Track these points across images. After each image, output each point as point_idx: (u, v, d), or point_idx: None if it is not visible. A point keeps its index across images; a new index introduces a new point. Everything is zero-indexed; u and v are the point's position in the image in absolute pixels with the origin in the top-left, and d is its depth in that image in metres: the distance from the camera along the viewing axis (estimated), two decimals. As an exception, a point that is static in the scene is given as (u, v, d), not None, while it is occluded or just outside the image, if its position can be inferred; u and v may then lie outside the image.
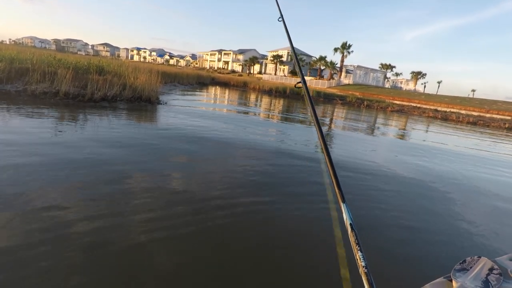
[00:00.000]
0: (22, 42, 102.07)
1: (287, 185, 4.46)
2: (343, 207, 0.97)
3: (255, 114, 13.36)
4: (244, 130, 8.51)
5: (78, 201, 3.13)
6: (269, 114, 13.93)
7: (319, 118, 1.35)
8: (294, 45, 2.03)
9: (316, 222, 3.44)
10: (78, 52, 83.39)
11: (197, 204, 3.43)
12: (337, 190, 1.03)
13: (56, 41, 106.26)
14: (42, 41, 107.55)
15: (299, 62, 1.76)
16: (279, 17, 2.22)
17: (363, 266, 0.79)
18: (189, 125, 7.90)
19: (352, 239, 0.87)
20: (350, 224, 0.92)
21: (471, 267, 1.16)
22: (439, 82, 66.00)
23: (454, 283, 1.06)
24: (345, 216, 0.95)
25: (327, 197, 4.19)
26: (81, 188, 3.43)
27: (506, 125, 22.53)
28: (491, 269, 1.13)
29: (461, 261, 1.19)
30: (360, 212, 3.80)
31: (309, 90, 1.54)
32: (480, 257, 1.19)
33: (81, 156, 4.44)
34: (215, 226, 3.02)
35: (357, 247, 0.85)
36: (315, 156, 6.45)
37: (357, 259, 0.82)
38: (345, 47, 47.61)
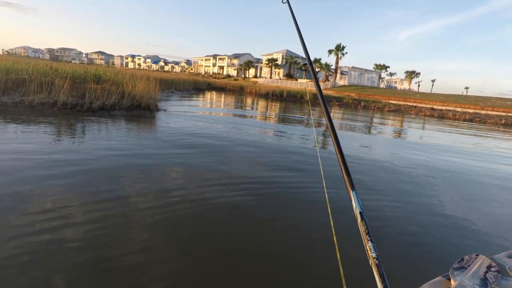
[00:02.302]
0: (15, 52, 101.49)
1: (284, 177, 4.40)
2: (352, 195, 0.92)
3: (259, 118, 13.31)
4: (244, 133, 8.44)
5: (74, 208, 3.04)
6: (269, 117, 13.88)
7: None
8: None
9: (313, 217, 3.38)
10: (72, 61, 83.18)
11: (196, 209, 3.37)
12: (345, 177, 0.98)
13: (50, 50, 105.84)
14: (36, 50, 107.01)
15: (307, 51, 1.70)
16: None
17: (374, 258, 0.75)
18: (190, 133, 7.83)
19: (362, 228, 0.82)
20: (360, 212, 0.86)
21: (469, 265, 1.15)
22: (433, 81, 66.59)
23: (452, 282, 1.05)
24: (354, 204, 0.89)
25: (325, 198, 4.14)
26: (76, 196, 3.34)
27: (502, 121, 22.74)
28: (489, 267, 1.12)
29: (459, 260, 1.19)
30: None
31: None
32: (478, 255, 1.19)
33: (81, 165, 4.35)
34: (214, 226, 2.97)
35: (367, 237, 0.80)
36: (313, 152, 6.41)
37: (367, 250, 0.78)
38: (339, 49, 47.89)
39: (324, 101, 1.35)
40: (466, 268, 1.14)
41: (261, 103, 22.01)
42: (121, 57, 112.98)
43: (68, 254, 2.41)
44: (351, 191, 0.93)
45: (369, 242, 0.79)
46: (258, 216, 3.50)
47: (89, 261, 2.37)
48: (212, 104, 18.34)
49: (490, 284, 1.04)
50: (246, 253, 2.76)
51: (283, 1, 2.01)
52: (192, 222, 3.18)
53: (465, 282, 1.05)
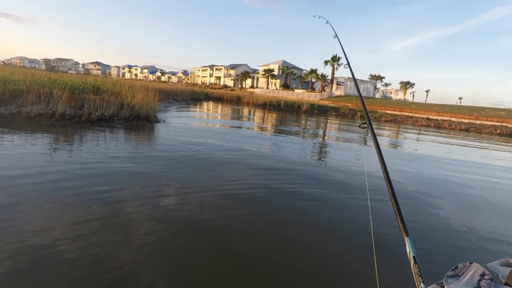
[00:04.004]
0: (11, 62, 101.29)
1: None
2: (406, 241, 1.02)
3: (259, 128, 13.27)
4: (245, 143, 8.38)
5: (70, 221, 2.94)
6: (270, 126, 13.86)
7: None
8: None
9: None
10: (69, 71, 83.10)
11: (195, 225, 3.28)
12: (400, 224, 1.06)
13: (46, 61, 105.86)
14: (32, 61, 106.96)
15: (358, 88, 1.74)
16: (334, 35, 2.60)
17: None
18: (190, 143, 7.75)
19: (415, 270, 0.95)
20: (414, 257, 0.98)
21: (462, 273, 1.14)
22: (427, 91, 67.64)
23: None
24: (408, 249, 1.00)
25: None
26: (74, 208, 3.23)
27: (497, 131, 23.00)
28: (482, 275, 1.11)
29: (453, 268, 1.18)
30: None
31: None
32: (471, 263, 1.19)
33: (82, 177, 4.24)
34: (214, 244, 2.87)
35: (420, 279, 0.92)
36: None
37: None
38: (335, 60, 48.54)
39: (374, 134, 1.43)
40: (460, 276, 1.13)
41: (260, 113, 22.05)
42: (118, 67, 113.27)
43: (65, 264, 2.31)
44: (405, 237, 1.03)
45: (421, 283, 0.91)
46: (263, 223, 3.42)
47: (85, 270, 2.28)
48: (211, 114, 18.33)
49: None
50: (251, 259, 2.69)
51: (334, 36, 2.55)
52: (191, 229, 3.13)
53: None
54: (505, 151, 13.82)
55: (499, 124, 27.85)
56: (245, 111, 23.22)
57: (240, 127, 12.97)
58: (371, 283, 2.51)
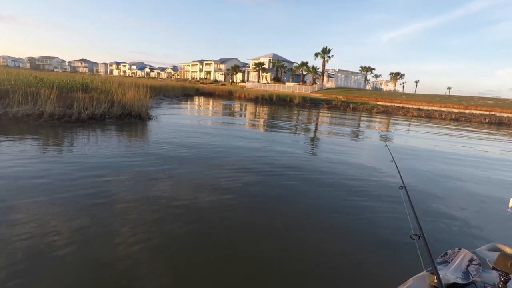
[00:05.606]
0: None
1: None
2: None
3: (254, 124, 13.14)
4: (241, 140, 8.28)
5: (64, 225, 2.82)
6: (264, 123, 13.76)
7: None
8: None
9: None
10: (55, 70, 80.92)
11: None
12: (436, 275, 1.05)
13: (31, 59, 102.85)
14: (15, 59, 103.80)
15: None
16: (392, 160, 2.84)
17: None
18: (185, 142, 7.61)
19: None
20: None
21: (452, 259, 1.20)
22: (416, 82, 68.45)
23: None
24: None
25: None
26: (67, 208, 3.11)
27: (487, 120, 23.41)
28: (471, 260, 1.17)
29: (442, 254, 1.24)
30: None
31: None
32: (460, 249, 1.25)
33: (73, 178, 4.10)
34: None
35: None
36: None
37: None
38: (325, 52, 48.46)
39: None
40: (449, 262, 1.17)
41: (253, 108, 21.90)
42: (106, 64, 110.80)
43: (62, 268, 2.20)
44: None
45: None
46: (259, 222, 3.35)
47: (84, 275, 2.17)
48: (203, 111, 18.11)
49: (472, 276, 1.07)
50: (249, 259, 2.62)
51: (400, 187, 2.05)
52: (191, 229, 3.08)
53: (448, 276, 1.08)
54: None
55: (487, 113, 28.30)
56: (238, 106, 23.04)
57: (234, 123, 12.85)
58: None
